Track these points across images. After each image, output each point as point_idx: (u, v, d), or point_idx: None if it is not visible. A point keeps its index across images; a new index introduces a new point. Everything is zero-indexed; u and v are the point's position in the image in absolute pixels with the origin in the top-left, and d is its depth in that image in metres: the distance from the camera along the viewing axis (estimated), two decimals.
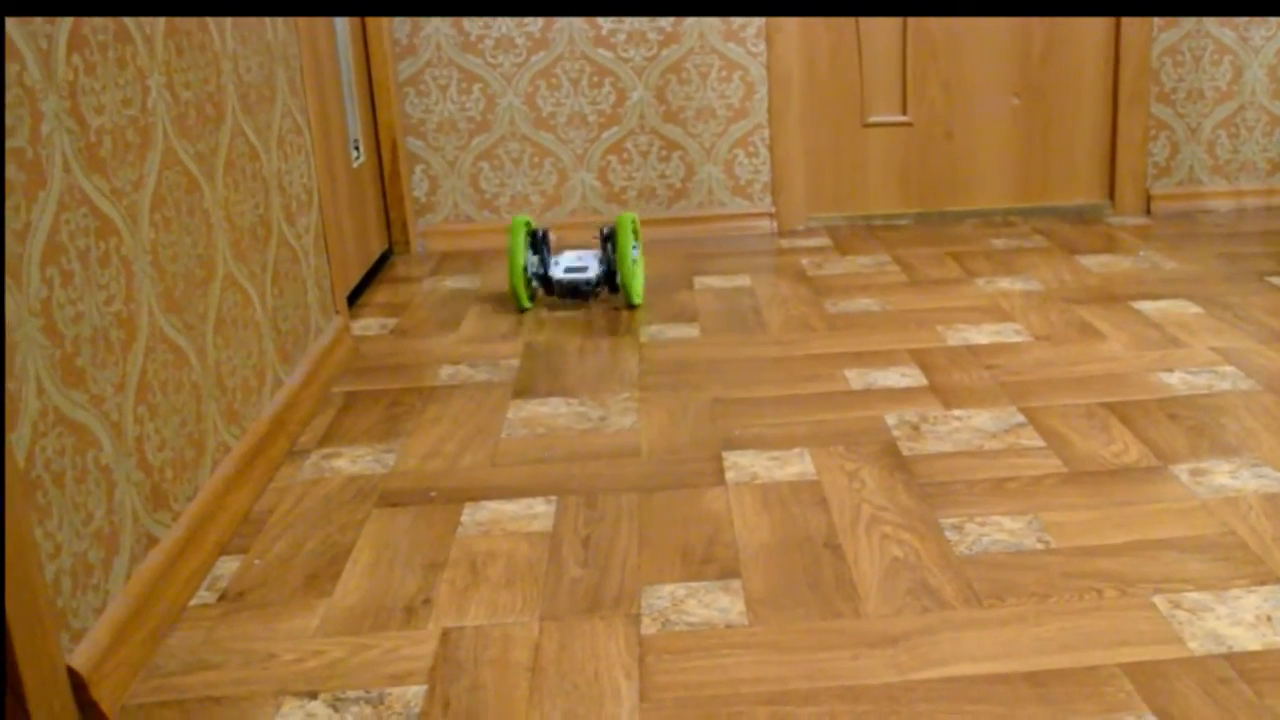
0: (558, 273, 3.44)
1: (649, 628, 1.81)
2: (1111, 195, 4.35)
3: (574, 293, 3.44)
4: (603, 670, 1.71)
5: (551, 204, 4.23)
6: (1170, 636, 1.72)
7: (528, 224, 3.44)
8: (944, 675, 1.66)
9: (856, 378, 2.77)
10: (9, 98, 1.56)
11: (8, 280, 1.53)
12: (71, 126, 1.72)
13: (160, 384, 1.97)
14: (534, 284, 3.47)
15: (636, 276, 3.41)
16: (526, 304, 3.45)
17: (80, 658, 1.63)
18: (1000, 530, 2.04)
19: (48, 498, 1.60)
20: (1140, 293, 3.34)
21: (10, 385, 1.52)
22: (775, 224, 4.30)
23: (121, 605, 1.76)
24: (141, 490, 1.88)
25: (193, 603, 1.95)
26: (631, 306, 3.44)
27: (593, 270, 3.43)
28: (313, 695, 1.68)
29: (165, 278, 2.02)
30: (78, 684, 1.62)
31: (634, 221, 3.43)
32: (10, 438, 1.51)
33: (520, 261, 3.38)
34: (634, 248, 3.42)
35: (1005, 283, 3.50)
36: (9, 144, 1.56)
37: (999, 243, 3.98)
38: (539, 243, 3.45)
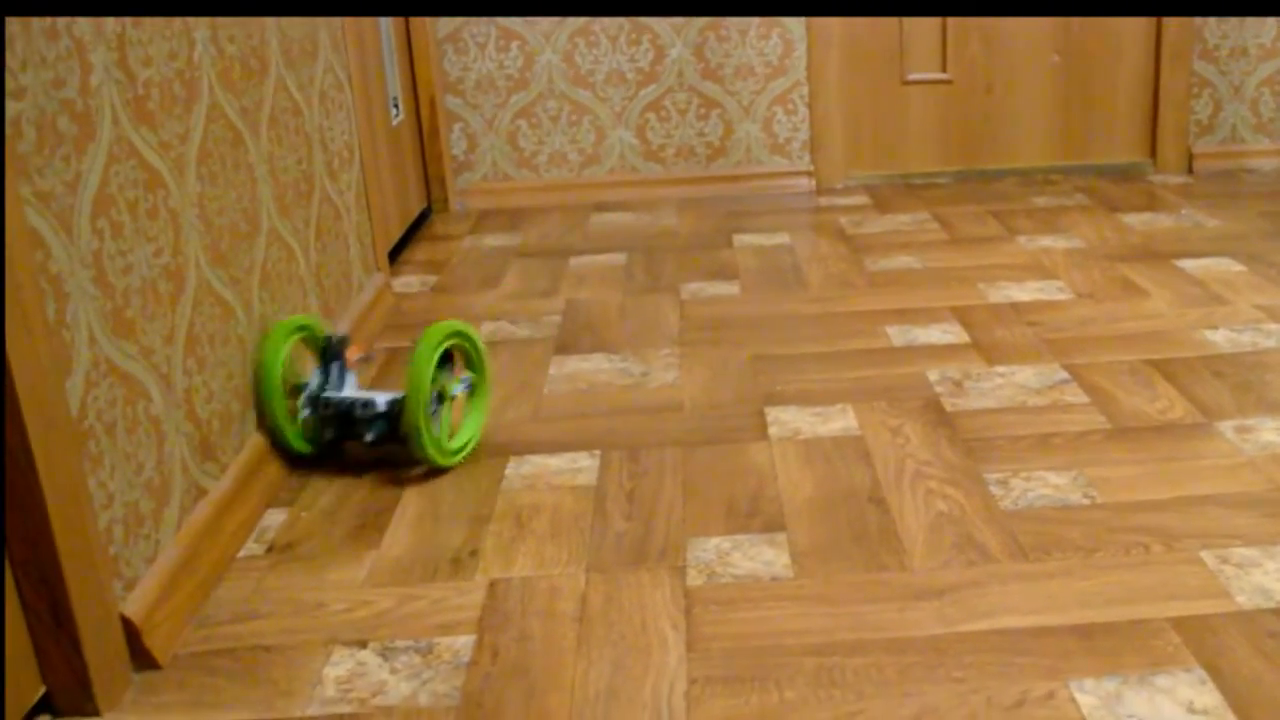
0: (334, 395, 2.23)
1: (695, 580, 1.81)
2: (1153, 153, 4.32)
3: (341, 426, 2.23)
4: (649, 621, 1.71)
5: (590, 162, 4.23)
6: (1218, 591, 1.71)
7: (303, 328, 2.26)
8: (991, 627, 1.66)
9: (898, 334, 2.77)
10: (59, 49, 1.57)
11: (58, 229, 1.54)
12: (120, 78, 1.73)
13: (208, 337, 1.98)
14: (305, 412, 2.23)
15: (468, 425, 2.28)
16: (298, 445, 2.22)
17: (133, 606, 1.65)
18: (1045, 485, 2.04)
19: (100, 447, 1.61)
20: (1183, 250, 3.32)
21: (64, 335, 1.53)
22: (814, 182, 4.28)
23: (172, 555, 1.77)
24: (191, 442, 1.89)
25: (241, 554, 1.96)
26: (439, 468, 2.20)
27: (383, 400, 2.20)
28: (362, 644, 1.70)
29: (211, 231, 2.02)
30: (130, 632, 1.63)
31: (464, 339, 2.24)
32: (65, 386, 1.53)
33: (275, 379, 2.16)
34: (460, 383, 2.25)
35: (1047, 240, 3.48)
36: (60, 95, 1.56)
37: (1040, 201, 3.96)
38: (329, 355, 2.26)
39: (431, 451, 2.15)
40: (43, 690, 1.55)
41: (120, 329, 1.68)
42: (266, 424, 2.18)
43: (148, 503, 1.74)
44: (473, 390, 2.29)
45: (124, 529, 1.66)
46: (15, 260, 1.42)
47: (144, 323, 1.75)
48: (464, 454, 2.24)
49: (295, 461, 2.23)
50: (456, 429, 2.26)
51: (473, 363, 2.29)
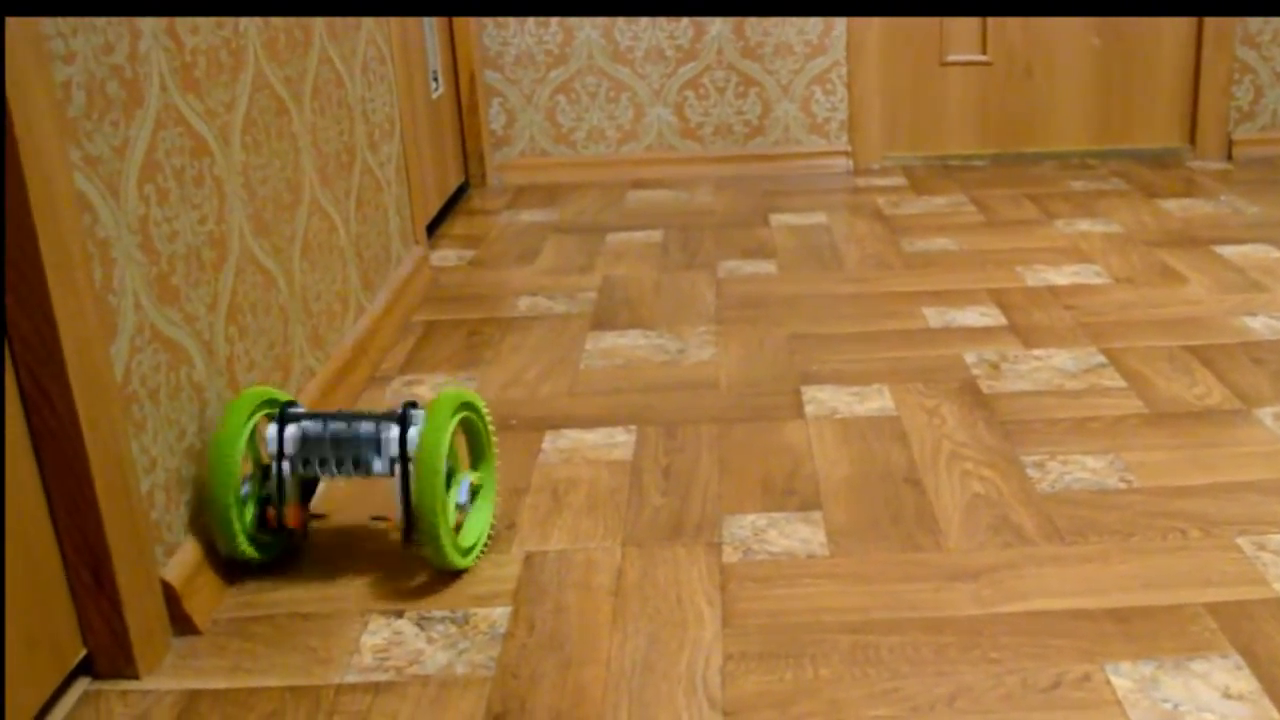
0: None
1: (730, 556, 1.82)
2: (1192, 139, 4.29)
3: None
4: (685, 596, 1.72)
5: (628, 139, 4.22)
6: (1255, 578, 1.71)
7: (268, 401, 1.80)
8: (1027, 609, 1.66)
9: (935, 316, 2.76)
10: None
11: (106, 194, 1.55)
12: (168, 45, 1.74)
13: (250, 305, 1.99)
14: (272, 510, 1.78)
15: (476, 518, 1.86)
16: (250, 551, 1.76)
17: (173, 571, 1.66)
18: (1082, 469, 2.03)
19: (143, 412, 1.62)
20: (1222, 237, 3.30)
21: (110, 300, 1.54)
22: (851, 163, 4.27)
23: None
24: None
25: None
26: (454, 570, 1.80)
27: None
28: (399, 614, 1.71)
29: (255, 200, 2.03)
30: (170, 596, 1.65)
31: (470, 408, 1.82)
32: (110, 351, 1.54)
33: (235, 470, 1.72)
34: (461, 486, 1.79)
35: (1085, 225, 3.46)
36: (109, 60, 1.57)
37: (1077, 185, 3.94)
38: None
39: (444, 546, 1.73)
40: (83, 653, 1.56)
41: (165, 295, 1.69)
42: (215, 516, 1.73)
43: (189, 469, 1.75)
44: (475, 493, 1.86)
45: (165, 495, 1.68)
46: (64, 223, 1.43)
47: (188, 289, 1.76)
48: (476, 554, 1.83)
49: None
50: (459, 525, 1.82)
51: (477, 438, 1.89)
